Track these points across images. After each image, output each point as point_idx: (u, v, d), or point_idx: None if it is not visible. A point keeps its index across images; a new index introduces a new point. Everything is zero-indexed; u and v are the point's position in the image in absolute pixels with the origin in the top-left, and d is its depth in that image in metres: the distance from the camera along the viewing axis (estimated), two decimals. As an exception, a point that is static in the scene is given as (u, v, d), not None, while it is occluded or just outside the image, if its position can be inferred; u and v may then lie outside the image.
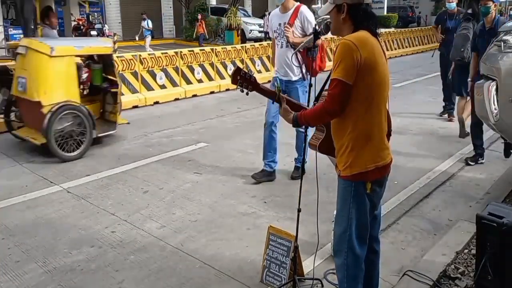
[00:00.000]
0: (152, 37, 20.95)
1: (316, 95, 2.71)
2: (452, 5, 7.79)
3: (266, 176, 5.30)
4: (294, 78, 5.02)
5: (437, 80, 12.56)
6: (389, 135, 2.62)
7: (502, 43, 4.51)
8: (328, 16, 2.54)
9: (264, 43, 13.69)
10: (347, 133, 2.42)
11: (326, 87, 2.56)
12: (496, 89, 4.46)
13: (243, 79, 2.65)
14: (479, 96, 4.76)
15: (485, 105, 4.59)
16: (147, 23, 20.03)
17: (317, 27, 3.04)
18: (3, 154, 6.45)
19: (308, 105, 2.87)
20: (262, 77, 12.04)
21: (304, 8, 4.94)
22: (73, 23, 21.77)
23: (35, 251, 3.84)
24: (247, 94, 2.70)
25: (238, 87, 2.68)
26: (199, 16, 23.77)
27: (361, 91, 2.34)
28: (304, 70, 4.99)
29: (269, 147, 5.30)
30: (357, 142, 2.41)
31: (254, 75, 2.69)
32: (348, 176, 2.46)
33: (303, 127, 2.77)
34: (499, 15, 5.25)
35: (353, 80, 2.30)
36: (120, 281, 3.41)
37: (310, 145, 2.72)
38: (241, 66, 11.90)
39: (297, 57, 4.97)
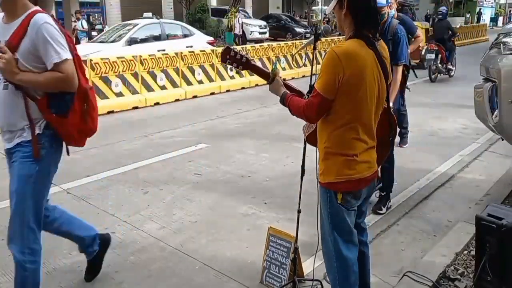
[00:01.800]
0: (89, 39, 17.31)
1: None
2: (391, 12, 5.97)
3: None
4: (18, 140, 2.71)
5: (435, 82, 12.61)
6: (394, 136, 2.64)
7: (501, 45, 4.52)
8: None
9: (265, 44, 13.71)
10: (324, 140, 2.41)
11: None
12: (496, 91, 4.47)
13: (233, 59, 2.59)
14: (479, 98, 4.77)
15: (485, 107, 4.60)
16: (81, 24, 17.13)
17: (317, 29, 3.02)
18: (3, 154, 6.44)
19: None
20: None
21: (41, 17, 2.56)
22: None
23: (35, 252, 3.83)
24: (237, 72, 2.68)
25: (228, 65, 2.62)
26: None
27: (341, 105, 2.28)
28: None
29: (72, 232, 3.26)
30: (330, 151, 2.39)
31: (247, 56, 2.61)
32: (322, 182, 2.47)
33: None
34: (392, 17, 4.41)
35: (333, 96, 2.25)
36: (119, 282, 3.42)
37: (303, 130, 2.72)
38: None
39: (26, 105, 2.63)
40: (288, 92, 2.56)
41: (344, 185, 2.39)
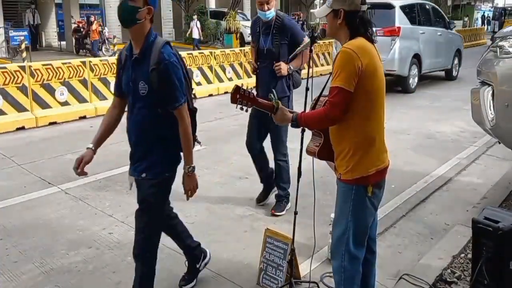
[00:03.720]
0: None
1: (312, 100, 2.70)
2: (269, 14, 4.25)
3: None
4: None
5: (433, 85, 12.65)
6: None
7: (498, 49, 4.54)
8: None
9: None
10: (348, 138, 2.44)
11: (325, 92, 2.57)
12: (492, 94, 4.49)
13: (242, 97, 2.57)
14: (476, 101, 4.79)
15: (481, 110, 4.61)
16: None
17: (313, 31, 3.02)
18: (2, 155, 6.46)
19: (304, 111, 2.84)
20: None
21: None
22: (73, 25, 21.77)
23: (32, 252, 3.84)
24: (246, 111, 2.63)
25: (238, 105, 2.57)
26: (92, 18, 18.98)
27: (362, 97, 2.36)
28: None
29: None
30: (359, 147, 2.43)
31: (252, 91, 2.60)
32: (349, 179, 2.47)
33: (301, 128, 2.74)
34: (156, 35, 2.68)
35: (354, 87, 2.32)
36: (117, 283, 3.42)
37: (308, 152, 2.70)
38: (239, 69, 12.04)
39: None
40: (296, 112, 2.56)
41: (374, 176, 2.47)
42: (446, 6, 40.59)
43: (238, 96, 2.54)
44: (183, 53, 10.80)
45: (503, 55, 4.45)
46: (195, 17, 22.06)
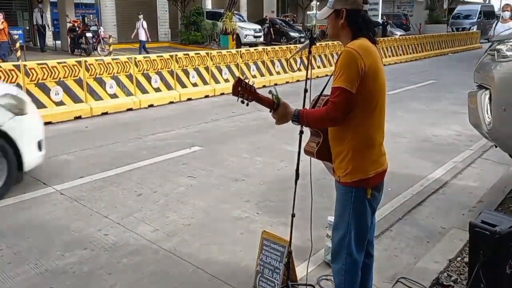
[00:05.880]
0: None
1: (311, 101, 2.69)
2: None
3: None
4: None
5: (430, 88, 12.69)
6: None
7: (495, 52, 4.55)
8: None
9: (259, 48, 13.72)
10: (347, 140, 2.42)
11: (325, 92, 2.57)
12: (490, 98, 4.50)
13: (244, 90, 2.51)
14: (473, 105, 4.80)
15: (479, 114, 4.63)
16: None
17: (313, 32, 3.01)
18: None
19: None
20: (257, 82, 12.05)
21: None
22: (68, 25, 21.68)
23: (27, 253, 3.81)
24: (247, 105, 2.58)
25: (239, 98, 2.52)
26: None
27: (364, 98, 2.34)
28: None
29: None
30: (358, 149, 2.42)
31: (254, 85, 2.54)
32: (348, 182, 2.46)
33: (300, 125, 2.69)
34: None
35: (356, 88, 2.30)
36: (112, 285, 3.40)
37: (306, 152, 2.68)
38: (236, 71, 12.04)
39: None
40: (297, 108, 2.51)
41: (374, 179, 2.46)
42: (442, 10, 40.82)
43: (240, 88, 2.48)
44: (179, 54, 10.82)
45: (501, 59, 4.45)
46: (141, 16, 19.02)
